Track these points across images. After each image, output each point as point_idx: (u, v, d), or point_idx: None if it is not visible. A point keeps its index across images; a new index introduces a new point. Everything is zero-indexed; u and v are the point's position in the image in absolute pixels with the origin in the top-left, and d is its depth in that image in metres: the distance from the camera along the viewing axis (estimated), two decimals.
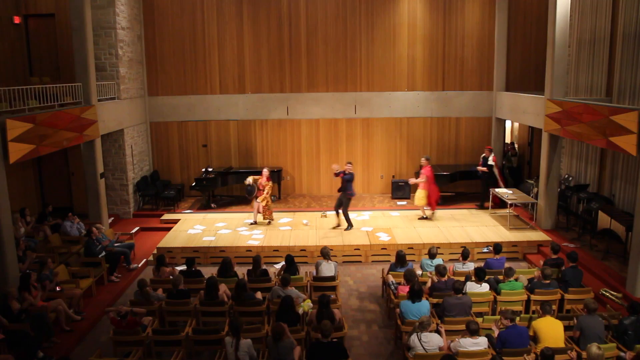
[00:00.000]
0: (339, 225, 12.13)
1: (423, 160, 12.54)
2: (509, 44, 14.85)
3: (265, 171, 12.21)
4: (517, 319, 6.76)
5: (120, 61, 13.01)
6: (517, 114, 13.65)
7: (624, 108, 8.78)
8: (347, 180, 11.62)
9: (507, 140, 16.16)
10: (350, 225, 11.98)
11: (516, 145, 16.11)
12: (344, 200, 11.82)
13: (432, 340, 6.35)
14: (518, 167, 15.54)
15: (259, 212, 12.32)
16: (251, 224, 12.33)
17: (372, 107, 15.09)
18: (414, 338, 6.36)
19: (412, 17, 14.76)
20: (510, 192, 12.49)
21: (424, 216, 12.74)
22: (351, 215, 12.95)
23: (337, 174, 11.76)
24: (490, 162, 13.18)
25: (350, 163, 11.96)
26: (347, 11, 14.71)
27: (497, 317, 7.04)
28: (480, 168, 13.38)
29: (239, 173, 13.96)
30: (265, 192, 12.12)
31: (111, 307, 8.08)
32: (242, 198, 14.23)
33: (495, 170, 13.22)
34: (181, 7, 14.57)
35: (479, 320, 7.06)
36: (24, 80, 12.35)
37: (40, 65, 13.69)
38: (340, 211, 11.96)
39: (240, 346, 6.17)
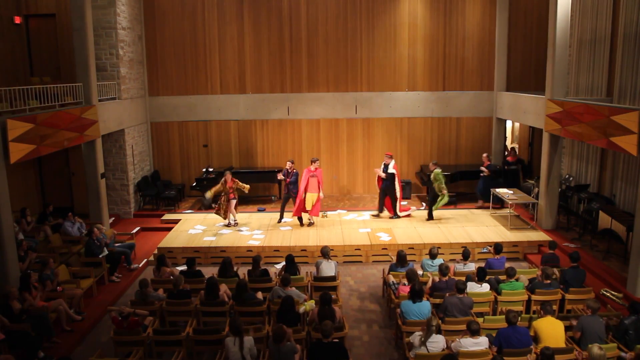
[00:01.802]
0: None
1: (316, 163, 12.14)
2: (509, 44, 14.86)
3: (228, 174, 12.10)
4: (518, 319, 6.75)
5: (120, 61, 13.02)
6: (518, 114, 13.65)
7: (624, 108, 8.78)
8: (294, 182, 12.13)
9: (508, 142, 16.11)
10: (282, 218, 12.54)
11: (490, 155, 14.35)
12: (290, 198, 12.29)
13: (438, 343, 6.35)
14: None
15: (231, 212, 12.28)
16: (227, 225, 12.34)
17: (372, 107, 15.09)
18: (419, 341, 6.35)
19: (413, 17, 14.76)
20: (511, 192, 12.49)
21: (311, 221, 12.38)
22: (352, 215, 12.98)
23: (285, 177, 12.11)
24: (391, 169, 12.31)
25: (292, 162, 12.29)
26: (348, 11, 14.71)
27: (500, 317, 7.06)
28: (380, 174, 12.49)
29: (240, 173, 13.95)
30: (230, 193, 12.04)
31: (113, 306, 8.07)
32: (242, 198, 14.21)
33: (397, 180, 12.43)
34: (182, 7, 14.57)
35: (480, 320, 7.06)
36: (24, 80, 12.36)
37: (40, 65, 13.70)
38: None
39: (244, 344, 6.17)
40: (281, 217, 12.54)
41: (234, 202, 12.11)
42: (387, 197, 12.70)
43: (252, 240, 11.37)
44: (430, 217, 12.54)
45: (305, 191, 12.02)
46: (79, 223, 11.14)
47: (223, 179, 11.97)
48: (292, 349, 6.17)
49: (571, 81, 12.78)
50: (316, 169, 12.05)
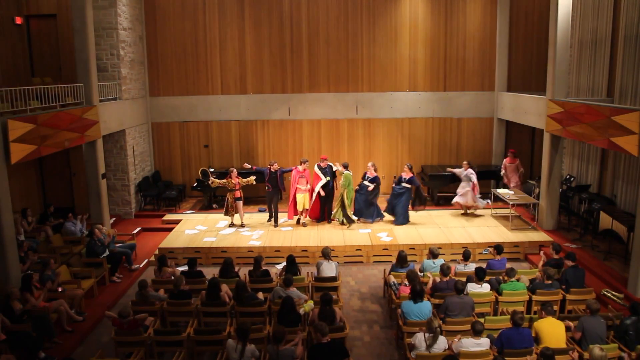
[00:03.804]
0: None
1: (306, 164, 12.14)
2: (510, 44, 14.85)
3: (234, 171, 12.07)
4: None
5: (121, 62, 13.03)
6: (519, 115, 13.64)
7: (625, 108, 8.78)
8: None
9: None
10: (270, 219, 12.55)
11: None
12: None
13: (439, 344, 6.34)
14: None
15: (239, 214, 12.25)
16: (231, 225, 12.34)
17: (373, 107, 15.09)
18: (420, 338, 6.34)
19: (414, 17, 14.76)
20: (512, 192, 12.49)
21: (304, 223, 12.37)
22: (353, 216, 12.95)
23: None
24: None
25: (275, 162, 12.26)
26: (349, 11, 14.71)
27: (501, 317, 7.05)
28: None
29: (241, 173, 13.94)
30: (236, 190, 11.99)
31: (110, 311, 8.05)
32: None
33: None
34: (183, 8, 14.58)
35: (481, 320, 7.04)
36: (25, 80, 12.36)
37: (41, 66, 13.70)
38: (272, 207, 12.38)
39: (245, 352, 6.12)
40: (271, 217, 12.51)
41: (240, 203, 12.07)
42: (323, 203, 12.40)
43: (253, 240, 11.36)
44: (349, 221, 12.18)
45: (296, 192, 12.12)
46: (81, 224, 11.15)
47: (228, 175, 12.00)
48: (291, 353, 6.13)
49: (572, 81, 12.78)
50: (305, 169, 12.10)
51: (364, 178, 12.29)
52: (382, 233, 11.64)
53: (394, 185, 12.39)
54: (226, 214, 12.19)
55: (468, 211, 12.91)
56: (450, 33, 14.85)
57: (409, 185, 12.11)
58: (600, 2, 11.65)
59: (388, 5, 14.71)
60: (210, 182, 12.09)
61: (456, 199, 12.75)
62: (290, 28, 14.75)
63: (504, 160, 13.70)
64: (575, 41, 12.64)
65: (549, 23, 11.52)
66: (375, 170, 12.26)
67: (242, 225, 12.25)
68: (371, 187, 12.10)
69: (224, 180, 11.97)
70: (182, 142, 15.22)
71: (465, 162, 12.81)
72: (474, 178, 12.43)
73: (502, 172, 13.56)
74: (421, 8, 14.73)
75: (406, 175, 12.19)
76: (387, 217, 12.46)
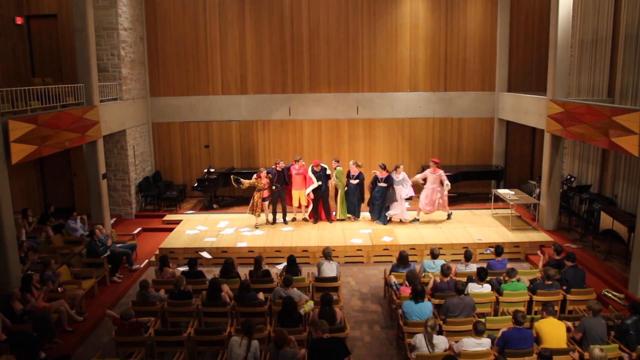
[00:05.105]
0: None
1: (301, 161, 12.37)
2: (511, 44, 14.85)
3: (264, 171, 12.01)
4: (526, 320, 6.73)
5: (122, 62, 13.04)
6: (519, 115, 13.64)
7: (626, 109, 8.77)
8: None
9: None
10: (274, 220, 12.55)
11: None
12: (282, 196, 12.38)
13: (440, 343, 6.34)
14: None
15: (263, 211, 12.25)
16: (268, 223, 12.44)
17: (374, 107, 15.09)
18: (420, 338, 6.34)
19: (414, 17, 14.76)
20: (512, 192, 12.48)
21: (304, 217, 12.65)
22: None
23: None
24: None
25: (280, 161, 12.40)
26: (349, 12, 14.71)
27: (502, 317, 7.04)
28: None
29: (241, 174, 13.95)
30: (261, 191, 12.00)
31: (112, 310, 8.06)
32: (244, 199, 14.25)
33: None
34: (183, 8, 14.59)
35: (482, 320, 7.04)
36: (26, 81, 12.36)
37: (42, 66, 13.72)
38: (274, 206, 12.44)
39: (251, 347, 6.15)
40: (275, 219, 12.55)
41: (267, 203, 12.11)
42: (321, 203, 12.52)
43: (243, 241, 11.35)
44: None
45: (292, 188, 12.35)
46: (82, 224, 11.15)
47: (256, 175, 11.90)
48: (292, 355, 6.14)
49: (573, 82, 12.77)
50: (300, 167, 12.23)
51: (348, 177, 12.36)
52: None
53: (370, 187, 12.43)
54: (252, 212, 12.01)
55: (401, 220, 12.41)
56: (450, 33, 14.85)
57: (386, 184, 12.11)
58: (601, 2, 11.64)
59: (388, 5, 14.71)
60: (242, 186, 12.01)
61: (391, 212, 12.25)
62: (291, 28, 14.75)
63: (426, 170, 12.30)
64: (576, 41, 12.63)
65: (550, 23, 11.52)
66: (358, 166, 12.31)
67: (257, 225, 12.26)
68: (356, 181, 12.29)
69: (253, 180, 11.85)
70: (182, 142, 15.23)
71: (400, 166, 12.22)
72: (409, 180, 12.16)
73: (420, 181, 12.25)
74: (422, 8, 14.73)
75: (381, 175, 12.17)
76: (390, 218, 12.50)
